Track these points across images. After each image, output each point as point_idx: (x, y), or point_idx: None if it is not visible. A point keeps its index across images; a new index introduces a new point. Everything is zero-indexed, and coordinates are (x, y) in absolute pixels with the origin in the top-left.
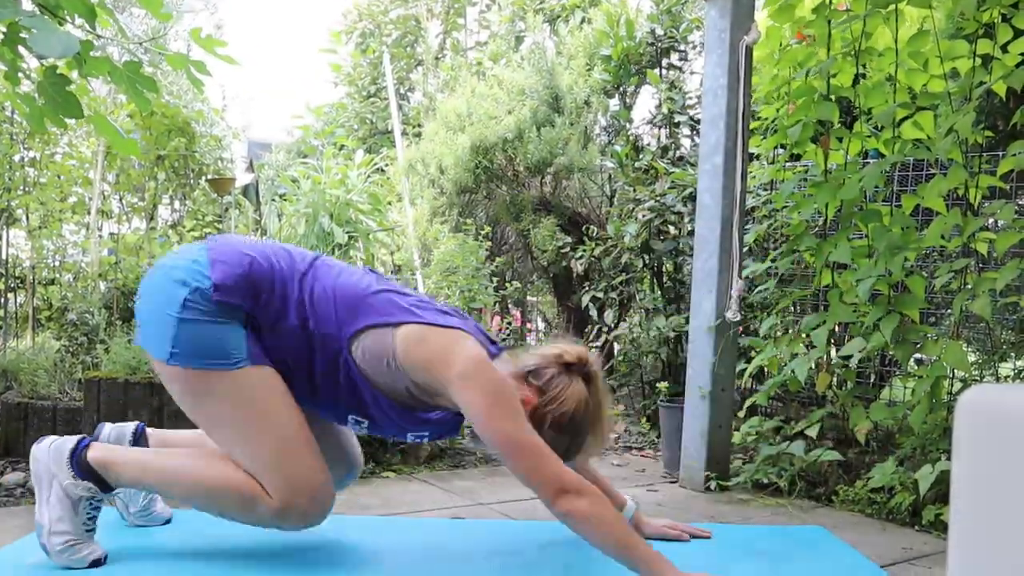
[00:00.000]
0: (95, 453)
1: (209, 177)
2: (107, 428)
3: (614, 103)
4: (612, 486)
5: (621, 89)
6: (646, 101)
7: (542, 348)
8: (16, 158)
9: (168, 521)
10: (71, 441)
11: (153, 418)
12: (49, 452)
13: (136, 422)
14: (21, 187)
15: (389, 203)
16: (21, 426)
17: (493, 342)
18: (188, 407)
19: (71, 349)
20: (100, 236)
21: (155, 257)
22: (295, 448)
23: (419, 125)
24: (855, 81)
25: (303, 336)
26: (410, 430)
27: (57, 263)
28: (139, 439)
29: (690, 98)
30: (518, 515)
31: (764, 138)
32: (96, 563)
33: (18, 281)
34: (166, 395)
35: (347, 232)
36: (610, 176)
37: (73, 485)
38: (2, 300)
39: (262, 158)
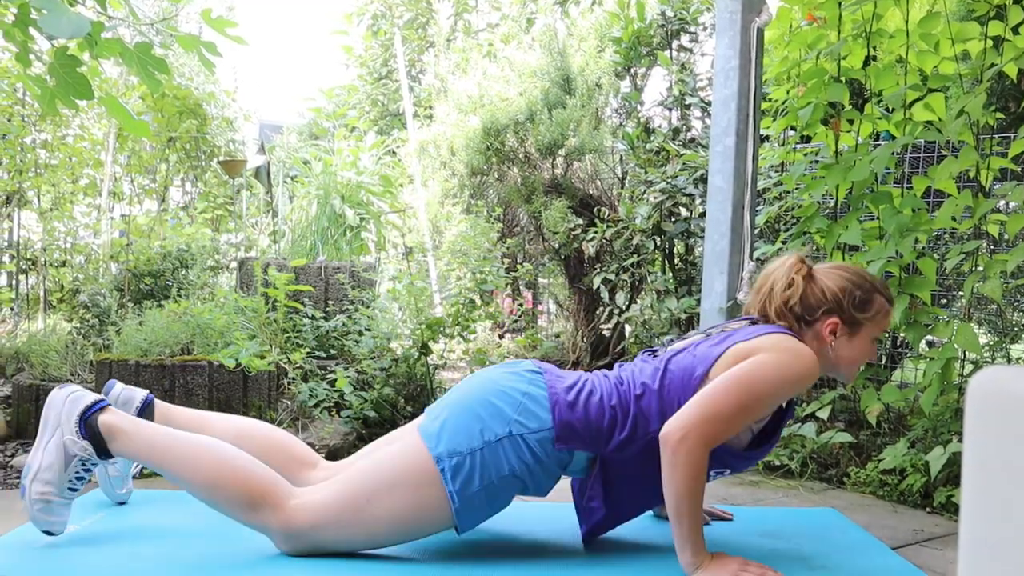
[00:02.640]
0: (108, 417)
1: (221, 159)
2: (118, 387)
3: (625, 85)
4: None
5: (632, 71)
6: (657, 83)
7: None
8: (28, 140)
9: (123, 503)
10: (88, 398)
11: (164, 400)
12: (65, 402)
13: (146, 391)
14: (33, 169)
15: (400, 185)
16: (32, 408)
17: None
18: (399, 451)
19: (82, 331)
20: (111, 218)
21: (166, 239)
22: (371, 537)
23: (430, 107)
24: (866, 63)
25: (651, 440)
26: (749, 461)
27: (68, 245)
28: (145, 409)
29: (701, 80)
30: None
31: (775, 120)
32: (48, 533)
33: (29, 263)
34: (178, 377)
35: (358, 214)
36: (621, 158)
37: (73, 442)
38: (14, 282)
39: (273, 140)
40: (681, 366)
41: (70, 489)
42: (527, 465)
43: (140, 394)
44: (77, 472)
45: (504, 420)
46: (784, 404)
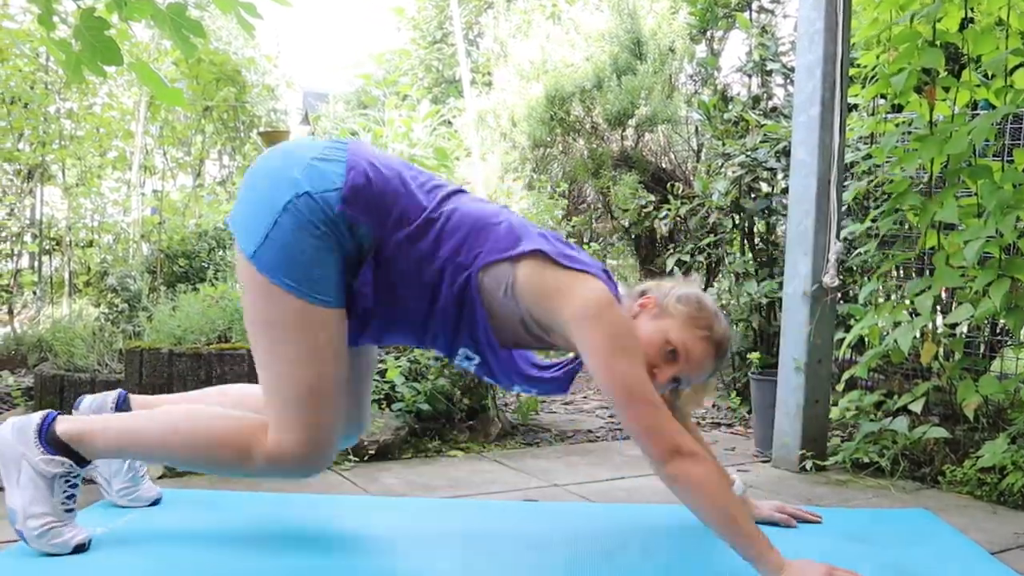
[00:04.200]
0: (64, 426)
1: (261, 130)
2: (87, 399)
3: (701, 49)
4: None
5: (708, 34)
6: (735, 47)
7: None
8: (52, 109)
9: (156, 502)
10: (37, 417)
11: None
12: (13, 431)
13: (119, 390)
14: (57, 141)
15: (457, 158)
16: (57, 400)
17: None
18: (247, 306)
19: (111, 317)
20: (142, 194)
21: (202, 217)
22: (326, 396)
23: (489, 73)
24: (962, 26)
25: (432, 262)
26: (516, 382)
27: (96, 223)
28: (122, 407)
29: (783, 44)
30: (597, 498)
31: (864, 87)
32: (80, 548)
33: (53, 243)
34: (215, 367)
35: None
36: (697, 129)
37: (45, 462)
38: (36, 264)
39: (318, 109)
40: (517, 226)
41: (66, 510)
42: (313, 234)
43: (112, 395)
44: (64, 491)
45: (291, 183)
46: None
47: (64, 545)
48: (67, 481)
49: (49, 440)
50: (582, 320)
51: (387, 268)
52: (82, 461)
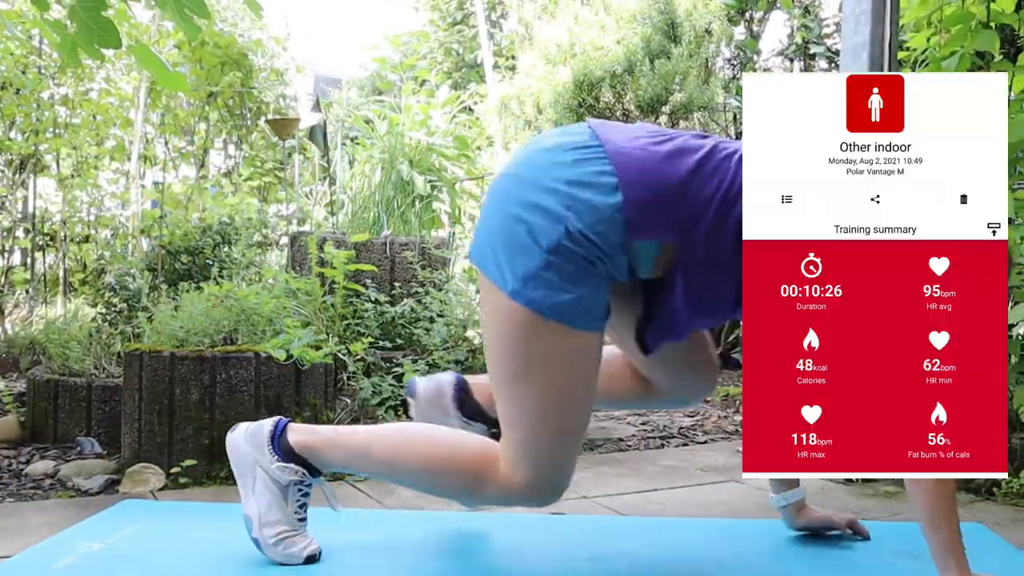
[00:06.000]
0: (296, 436)
1: (269, 117)
2: (421, 383)
3: (739, 31)
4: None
5: (747, 15)
6: (776, 29)
7: None
8: (45, 95)
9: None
10: (268, 423)
11: (204, 398)
12: (246, 438)
13: (453, 374)
14: (51, 129)
15: (479, 147)
16: (50, 407)
17: None
18: (493, 335)
19: (108, 317)
20: (142, 186)
21: (206, 211)
22: (576, 439)
23: (513, 57)
24: (1019, 6)
25: (729, 231)
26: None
27: (92, 217)
28: (460, 391)
29: (827, 26)
30: (628, 511)
31: (913, 71)
32: (311, 559)
33: (47, 238)
34: (219, 371)
35: (429, 181)
36: (735, 116)
37: (280, 469)
38: (29, 260)
39: (330, 95)
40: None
41: (299, 519)
42: (594, 260)
43: (447, 379)
44: (298, 499)
45: (554, 218)
46: None
47: (296, 556)
48: (300, 490)
49: (283, 448)
50: None
51: (699, 272)
52: (315, 471)
